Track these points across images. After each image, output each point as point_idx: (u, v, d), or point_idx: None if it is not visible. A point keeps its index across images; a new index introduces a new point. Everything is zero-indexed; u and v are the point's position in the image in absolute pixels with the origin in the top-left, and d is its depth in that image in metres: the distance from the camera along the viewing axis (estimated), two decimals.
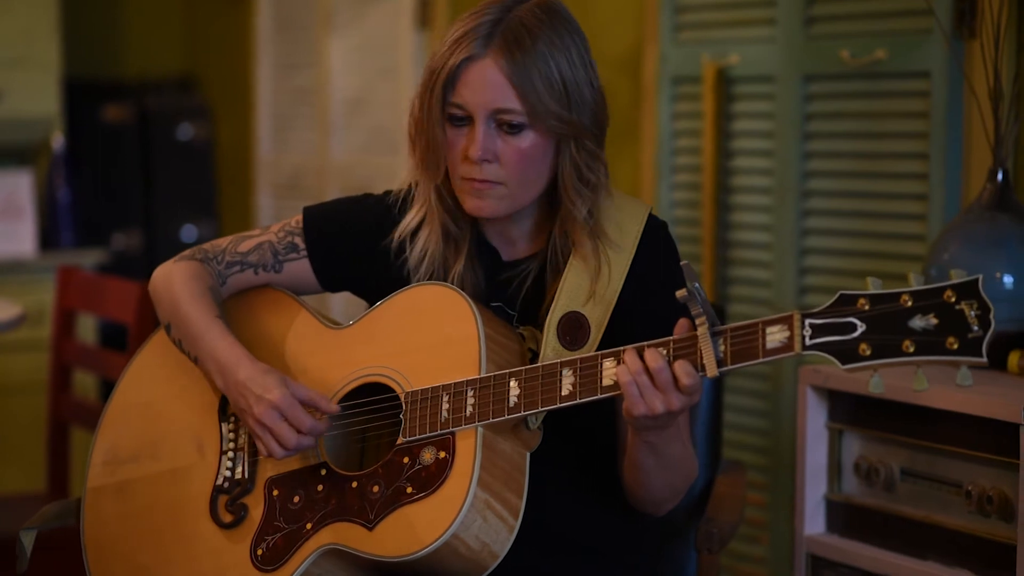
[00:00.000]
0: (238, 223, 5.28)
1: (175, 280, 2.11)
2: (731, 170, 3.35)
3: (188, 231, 5.32)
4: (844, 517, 2.53)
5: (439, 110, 1.97)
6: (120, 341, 3.52)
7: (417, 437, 1.94)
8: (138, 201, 5.27)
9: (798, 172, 3.16)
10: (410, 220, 2.08)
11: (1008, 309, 2.47)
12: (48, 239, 4.87)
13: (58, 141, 4.85)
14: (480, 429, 1.90)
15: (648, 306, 1.99)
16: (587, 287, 2.00)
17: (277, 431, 1.97)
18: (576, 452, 2.04)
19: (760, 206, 3.28)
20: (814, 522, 2.56)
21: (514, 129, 1.95)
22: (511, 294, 2.06)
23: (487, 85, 1.94)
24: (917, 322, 1.66)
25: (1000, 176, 2.53)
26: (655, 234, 2.04)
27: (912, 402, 2.37)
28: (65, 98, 4.97)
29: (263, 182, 5.09)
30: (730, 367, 1.77)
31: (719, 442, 2.58)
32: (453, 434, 1.91)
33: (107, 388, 2.53)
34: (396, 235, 2.08)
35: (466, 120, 1.96)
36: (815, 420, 2.54)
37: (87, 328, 4.55)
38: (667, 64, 3.47)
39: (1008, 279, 2.47)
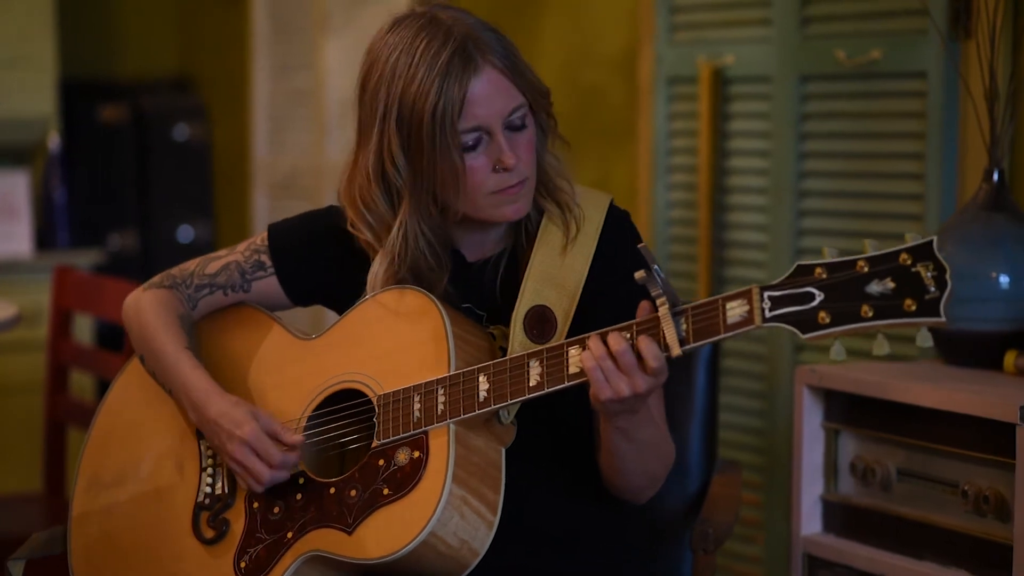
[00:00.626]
0: (234, 224, 5.28)
1: (144, 310, 2.13)
2: (727, 170, 3.35)
3: (184, 231, 5.31)
4: (840, 517, 2.53)
5: (457, 144, 1.95)
6: (117, 341, 3.51)
7: (391, 439, 1.94)
8: (134, 201, 5.26)
9: (794, 172, 3.16)
10: (377, 271, 2.03)
11: (1004, 309, 2.47)
12: (44, 239, 4.87)
13: (54, 141, 4.85)
14: (452, 426, 1.91)
15: (613, 293, 2.00)
16: (556, 266, 2.01)
17: (250, 467, 1.98)
18: (553, 446, 2.05)
19: (756, 206, 3.28)
20: (810, 522, 2.56)
21: (520, 124, 1.98)
22: (479, 295, 2.07)
23: (498, 92, 1.95)
24: (874, 287, 1.67)
25: (996, 176, 2.53)
26: (617, 222, 2.06)
27: (908, 402, 2.37)
28: (61, 98, 4.96)
29: (259, 183, 5.09)
30: (693, 345, 1.78)
31: (715, 442, 2.57)
32: (426, 433, 1.92)
33: (103, 388, 2.53)
34: (367, 286, 2.05)
35: (476, 143, 1.96)
36: (811, 420, 2.54)
37: (83, 328, 4.54)
38: (662, 64, 3.47)
39: (1004, 279, 2.47)
